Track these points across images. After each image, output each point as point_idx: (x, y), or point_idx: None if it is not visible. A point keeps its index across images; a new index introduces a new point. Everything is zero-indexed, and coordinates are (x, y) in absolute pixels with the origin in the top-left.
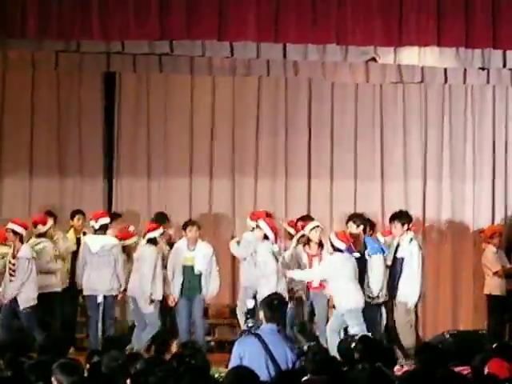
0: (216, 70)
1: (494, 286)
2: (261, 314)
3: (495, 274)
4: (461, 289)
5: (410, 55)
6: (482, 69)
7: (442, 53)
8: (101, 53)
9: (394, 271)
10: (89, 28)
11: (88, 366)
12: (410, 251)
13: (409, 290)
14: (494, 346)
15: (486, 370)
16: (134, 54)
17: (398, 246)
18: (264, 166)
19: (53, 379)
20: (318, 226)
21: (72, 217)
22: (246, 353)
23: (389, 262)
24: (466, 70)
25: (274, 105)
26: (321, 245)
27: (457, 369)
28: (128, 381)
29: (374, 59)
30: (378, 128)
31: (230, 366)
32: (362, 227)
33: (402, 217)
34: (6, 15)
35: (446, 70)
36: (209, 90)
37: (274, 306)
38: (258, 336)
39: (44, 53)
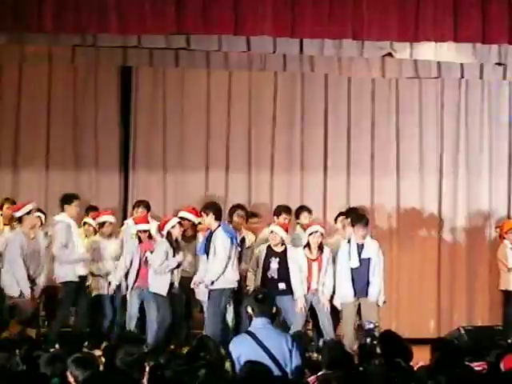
0: (232, 65)
1: (509, 281)
2: (249, 310)
3: (510, 269)
4: (476, 284)
5: (427, 50)
6: (499, 64)
7: (459, 48)
8: (117, 47)
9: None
10: (105, 22)
11: (103, 360)
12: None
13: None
14: (510, 341)
15: (501, 366)
16: (151, 48)
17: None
18: (280, 160)
19: (68, 373)
20: (317, 231)
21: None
22: (241, 353)
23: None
24: (482, 65)
25: (290, 99)
26: (321, 249)
27: (472, 364)
28: (144, 375)
29: (390, 54)
30: (393, 123)
31: (236, 367)
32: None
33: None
34: (23, 9)
35: (462, 65)
36: (225, 84)
37: (260, 299)
38: (251, 333)
39: (60, 47)
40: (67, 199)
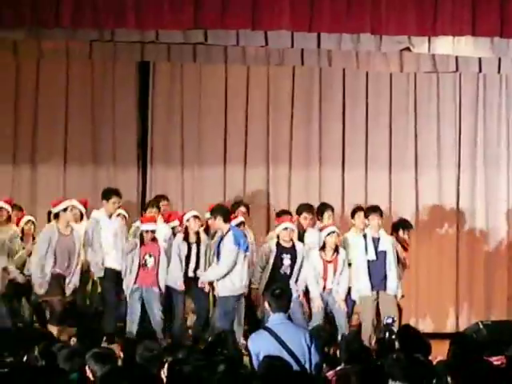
0: (250, 60)
1: None
2: (266, 306)
3: None
4: (495, 278)
5: (445, 45)
6: None
7: (477, 42)
8: (135, 42)
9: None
10: (123, 17)
11: (122, 355)
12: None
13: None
14: None
15: None
16: (168, 43)
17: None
18: (298, 155)
19: (86, 368)
20: (334, 232)
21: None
22: (260, 349)
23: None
24: (500, 59)
25: (307, 94)
26: (336, 250)
27: (491, 359)
28: (163, 370)
29: (408, 49)
30: (412, 118)
31: (254, 363)
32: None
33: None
34: (41, 5)
35: (480, 59)
36: (243, 79)
37: (277, 294)
38: (269, 329)
39: (78, 42)
40: (105, 195)
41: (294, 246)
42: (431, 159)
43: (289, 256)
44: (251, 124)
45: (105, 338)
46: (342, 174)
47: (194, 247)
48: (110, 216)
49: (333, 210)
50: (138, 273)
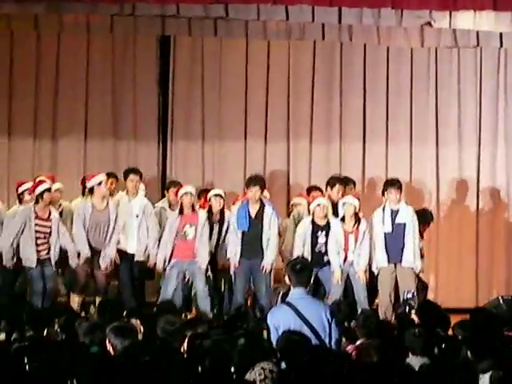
0: (271, 34)
1: None
2: (287, 280)
3: None
4: None
5: (466, 19)
6: None
7: (498, 17)
8: (156, 16)
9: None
10: None
11: (142, 329)
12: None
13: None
14: None
15: None
16: (189, 17)
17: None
18: (319, 129)
19: (107, 342)
20: (350, 202)
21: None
22: (279, 323)
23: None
24: None
25: (328, 69)
26: (357, 221)
27: (510, 334)
28: (184, 345)
29: (429, 23)
30: (432, 92)
31: (272, 338)
32: None
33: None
34: None
35: (501, 34)
36: (263, 53)
37: (297, 269)
38: (289, 304)
39: (99, 16)
40: (123, 174)
41: (328, 223)
42: (452, 134)
43: (324, 233)
44: (272, 99)
45: (125, 313)
46: (363, 147)
47: (215, 227)
48: (133, 194)
49: (355, 184)
50: (175, 245)
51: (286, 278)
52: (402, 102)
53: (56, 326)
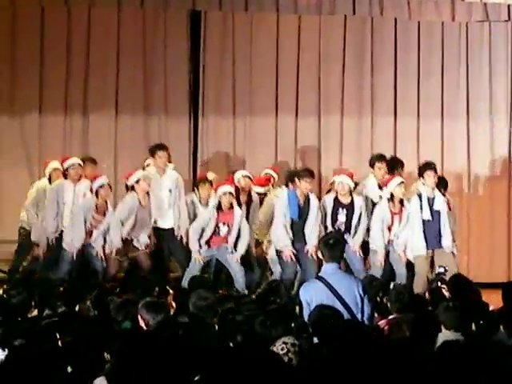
0: (301, 9)
1: None
2: (320, 255)
3: None
4: None
5: None
6: None
7: None
8: None
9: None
10: None
11: (174, 305)
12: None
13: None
14: None
15: None
16: None
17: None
18: (350, 104)
19: (139, 318)
20: (402, 182)
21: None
22: (312, 298)
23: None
24: None
25: (359, 43)
26: (402, 203)
27: None
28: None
29: None
30: (463, 67)
31: (304, 313)
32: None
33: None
34: None
35: None
36: (294, 28)
37: (330, 244)
38: (321, 278)
39: None
40: (150, 151)
41: (352, 201)
42: (483, 109)
43: (345, 212)
44: (302, 74)
45: (157, 289)
46: (395, 122)
47: (243, 208)
48: (163, 171)
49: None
50: (210, 238)
51: (320, 254)
52: (432, 77)
53: (88, 302)
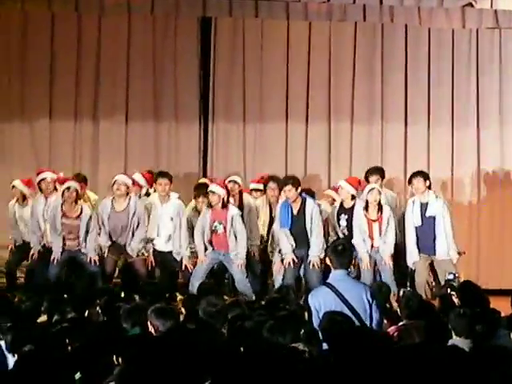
0: (312, 15)
1: None
2: (328, 262)
3: None
4: None
5: (507, 0)
6: None
7: None
8: None
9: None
10: None
11: (184, 311)
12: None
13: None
14: None
15: None
16: None
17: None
18: (360, 111)
19: (148, 324)
20: (373, 189)
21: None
22: (321, 304)
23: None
24: None
25: (370, 50)
26: (380, 209)
27: None
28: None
29: (470, 4)
30: (473, 74)
31: (313, 319)
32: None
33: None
34: None
35: None
36: (304, 35)
37: (339, 251)
38: (330, 285)
39: None
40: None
41: (353, 207)
42: (493, 116)
43: (346, 217)
44: (313, 79)
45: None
46: (405, 129)
47: None
48: (164, 199)
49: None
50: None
51: (328, 260)
52: (443, 84)
53: (97, 308)
